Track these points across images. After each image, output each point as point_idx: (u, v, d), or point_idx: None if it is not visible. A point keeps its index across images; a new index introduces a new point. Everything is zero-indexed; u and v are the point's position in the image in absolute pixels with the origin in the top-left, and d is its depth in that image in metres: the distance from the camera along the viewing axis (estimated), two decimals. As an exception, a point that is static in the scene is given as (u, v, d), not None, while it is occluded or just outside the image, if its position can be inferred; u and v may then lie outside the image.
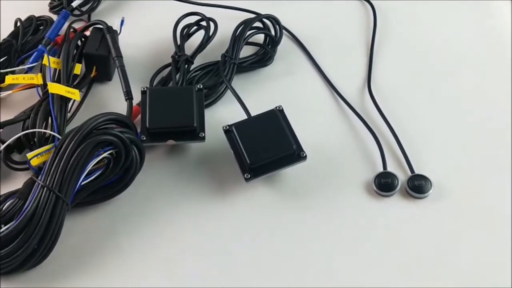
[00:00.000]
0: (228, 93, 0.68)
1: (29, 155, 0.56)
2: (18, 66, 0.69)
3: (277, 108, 0.62)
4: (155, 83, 0.69)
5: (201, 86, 0.64)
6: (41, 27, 0.74)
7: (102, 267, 0.56)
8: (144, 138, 0.60)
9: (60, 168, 0.54)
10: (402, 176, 0.61)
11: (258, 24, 0.73)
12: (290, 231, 0.58)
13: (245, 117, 0.63)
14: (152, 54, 0.74)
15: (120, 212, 0.59)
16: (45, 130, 0.59)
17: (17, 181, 0.60)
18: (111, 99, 0.69)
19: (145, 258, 0.56)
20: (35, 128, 0.60)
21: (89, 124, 0.56)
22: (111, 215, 0.59)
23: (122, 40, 0.70)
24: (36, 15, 0.74)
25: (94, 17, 0.78)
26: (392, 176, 0.60)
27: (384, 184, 0.60)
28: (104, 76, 0.70)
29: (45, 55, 0.65)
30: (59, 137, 0.58)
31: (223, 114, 0.67)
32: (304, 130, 0.62)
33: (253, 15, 0.74)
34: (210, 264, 0.56)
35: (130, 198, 0.60)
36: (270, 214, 0.59)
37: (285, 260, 0.56)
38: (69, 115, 0.65)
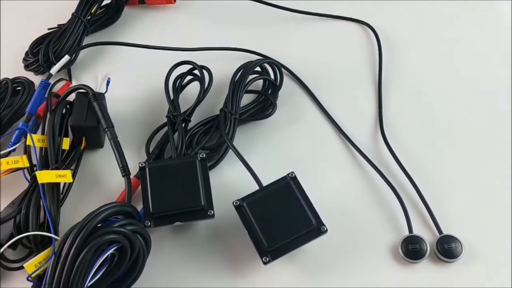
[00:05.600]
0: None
1: (28, 266, 0.51)
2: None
3: (290, 175, 0.57)
4: (151, 148, 0.63)
5: (204, 156, 0.59)
6: (19, 88, 0.67)
7: None
8: (149, 223, 0.55)
9: (62, 280, 0.49)
10: (429, 237, 0.57)
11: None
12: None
13: (252, 180, 0.58)
14: (143, 108, 0.68)
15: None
16: (41, 233, 0.53)
17: (14, 282, 0.55)
18: (104, 168, 0.63)
19: None
20: (28, 223, 0.55)
21: (89, 226, 0.50)
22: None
23: (108, 95, 0.65)
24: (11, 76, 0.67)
25: (74, 69, 0.71)
26: (419, 240, 0.56)
27: (412, 250, 0.56)
28: (95, 144, 0.64)
29: (28, 135, 0.59)
30: (57, 238, 0.53)
31: (228, 175, 0.62)
32: (317, 189, 0.57)
33: (250, 55, 0.69)
34: None
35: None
36: (292, 291, 0.56)
37: None
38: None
